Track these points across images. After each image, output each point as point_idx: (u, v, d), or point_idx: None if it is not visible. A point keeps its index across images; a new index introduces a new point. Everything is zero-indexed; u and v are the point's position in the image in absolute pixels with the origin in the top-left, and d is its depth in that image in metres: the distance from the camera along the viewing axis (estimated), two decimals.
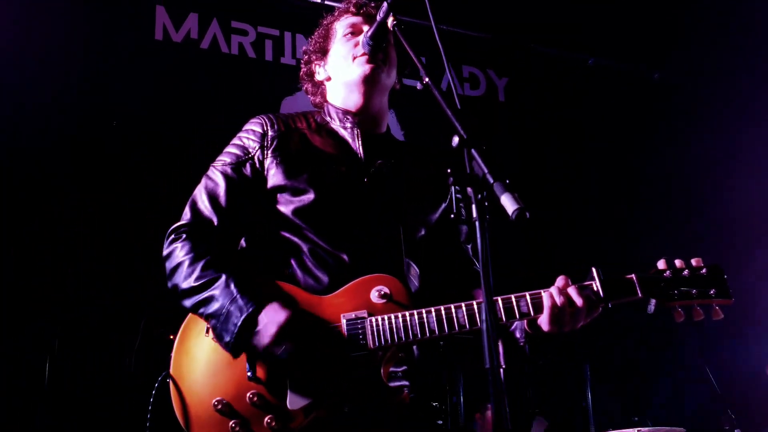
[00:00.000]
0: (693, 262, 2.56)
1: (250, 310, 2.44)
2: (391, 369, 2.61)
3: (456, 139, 2.18)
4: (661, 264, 2.57)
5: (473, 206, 2.04)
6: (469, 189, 2.08)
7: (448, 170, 2.14)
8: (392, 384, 2.56)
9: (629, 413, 6.75)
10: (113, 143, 6.20)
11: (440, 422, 5.75)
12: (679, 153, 8.14)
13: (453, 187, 2.96)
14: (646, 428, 5.96)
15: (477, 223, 2.01)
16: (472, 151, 2.13)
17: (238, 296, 2.47)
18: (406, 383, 2.66)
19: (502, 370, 1.94)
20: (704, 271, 2.55)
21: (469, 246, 2.99)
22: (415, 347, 2.75)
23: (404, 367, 2.68)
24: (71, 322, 5.50)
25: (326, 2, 7.43)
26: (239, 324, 2.43)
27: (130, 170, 6.19)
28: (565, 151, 8.29)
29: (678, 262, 2.56)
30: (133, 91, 6.45)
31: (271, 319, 2.41)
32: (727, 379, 6.28)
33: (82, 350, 5.48)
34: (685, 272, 2.55)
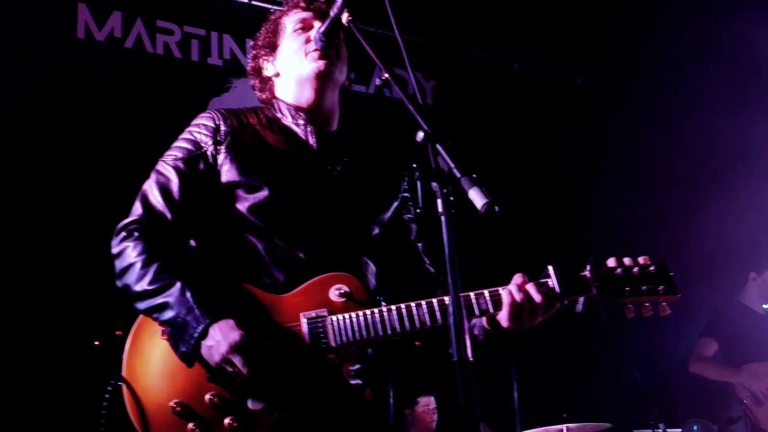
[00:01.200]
0: (641, 260, 2.61)
1: (207, 322, 2.37)
2: (350, 368, 2.58)
3: (421, 134, 2.17)
4: (611, 262, 2.61)
5: (439, 201, 2.04)
6: (434, 184, 2.07)
7: (414, 165, 2.13)
8: (351, 382, 2.54)
9: (556, 410, 6.86)
10: (30, 144, 6.00)
11: None
12: (603, 150, 8.39)
13: (403, 185, 2.97)
14: (574, 424, 6.06)
15: (443, 218, 2.01)
16: (437, 146, 2.13)
17: (194, 306, 2.40)
18: (360, 382, 2.64)
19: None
20: (652, 268, 2.60)
21: (420, 244, 2.99)
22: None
23: (358, 366, 2.65)
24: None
25: (253, 2, 7.35)
26: (196, 336, 2.37)
27: (48, 173, 5.99)
28: (492, 153, 8.40)
29: (627, 260, 2.60)
30: (54, 92, 6.24)
31: (225, 336, 2.34)
32: (651, 374, 6.46)
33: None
34: (635, 269, 2.59)
